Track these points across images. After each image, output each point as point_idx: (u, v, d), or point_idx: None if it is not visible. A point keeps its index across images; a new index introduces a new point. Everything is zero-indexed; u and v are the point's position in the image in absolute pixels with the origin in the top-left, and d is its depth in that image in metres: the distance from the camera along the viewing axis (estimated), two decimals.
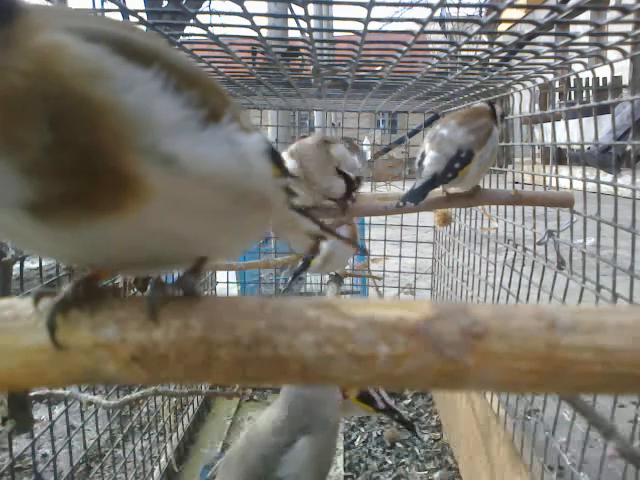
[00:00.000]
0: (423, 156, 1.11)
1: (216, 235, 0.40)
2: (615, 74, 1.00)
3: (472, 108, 1.19)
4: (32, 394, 0.83)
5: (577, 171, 1.21)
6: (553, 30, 0.93)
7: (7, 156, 0.30)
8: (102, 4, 0.88)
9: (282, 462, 1.04)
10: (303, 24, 0.85)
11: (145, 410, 1.54)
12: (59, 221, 0.33)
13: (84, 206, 0.32)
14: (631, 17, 0.78)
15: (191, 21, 0.86)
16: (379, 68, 1.27)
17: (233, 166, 0.38)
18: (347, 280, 2.08)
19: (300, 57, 1.29)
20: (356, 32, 0.88)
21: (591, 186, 1.08)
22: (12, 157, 0.30)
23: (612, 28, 0.89)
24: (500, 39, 1.04)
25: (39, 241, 0.36)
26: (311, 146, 1.16)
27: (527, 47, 1.00)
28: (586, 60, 1.05)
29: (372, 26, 0.86)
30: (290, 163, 1.14)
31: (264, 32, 0.88)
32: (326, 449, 1.12)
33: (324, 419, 1.10)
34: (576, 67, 1.14)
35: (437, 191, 1.16)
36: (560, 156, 1.57)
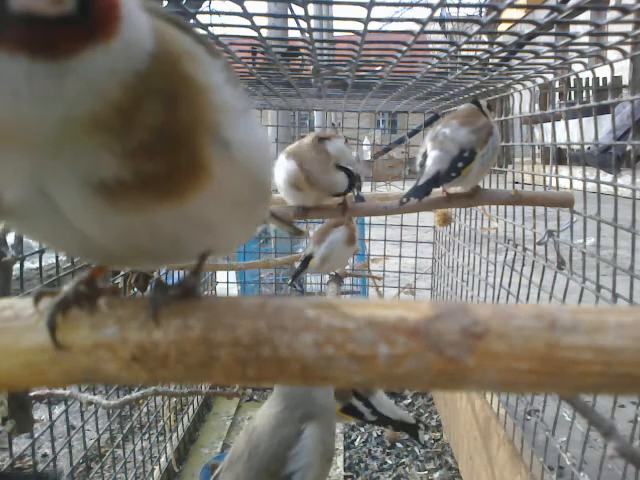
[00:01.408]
0: (425, 155, 1.11)
1: (231, 225, 0.41)
2: (615, 74, 1.00)
3: (466, 109, 1.19)
4: (32, 394, 0.83)
5: (577, 171, 1.21)
6: (553, 30, 0.93)
7: (113, 133, 0.29)
8: None
9: (292, 456, 1.03)
10: (303, 24, 0.85)
11: (145, 410, 1.54)
12: (125, 205, 0.32)
13: (158, 189, 0.32)
14: (631, 17, 0.78)
15: (191, 21, 0.86)
16: (379, 68, 1.27)
17: (257, 152, 0.40)
18: (347, 280, 2.08)
19: (300, 57, 1.29)
20: (356, 32, 0.88)
21: (591, 186, 1.08)
22: (118, 135, 0.29)
23: (612, 28, 0.89)
24: (500, 39, 1.04)
25: (80, 230, 0.34)
26: (308, 146, 1.16)
27: (527, 47, 1.00)
28: (586, 60, 1.05)
29: (372, 26, 0.86)
30: (289, 164, 1.13)
31: (264, 32, 0.88)
32: (330, 433, 1.12)
33: (323, 403, 1.10)
34: (576, 67, 1.14)
35: (437, 191, 1.16)
36: (560, 156, 1.58)
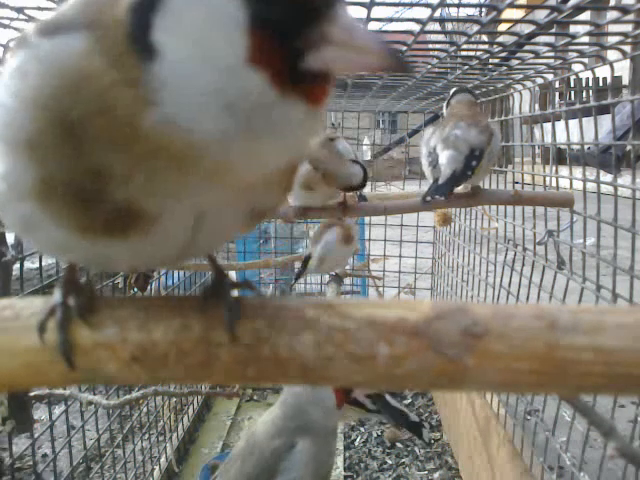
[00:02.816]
0: (432, 155, 1.12)
1: None
2: (615, 74, 1.00)
3: (466, 104, 1.19)
4: (32, 394, 0.83)
5: (577, 171, 1.21)
6: (553, 30, 0.93)
7: (285, 180, 0.37)
8: None
9: (282, 468, 1.03)
10: None
11: (145, 410, 1.54)
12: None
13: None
14: (631, 17, 0.78)
15: None
16: None
17: None
18: (347, 280, 2.07)
19: None
20: None
21: (591, 186, 1.08)
22: (284, 182, 0.37)
23: (612, 28, 0.89)
24: (500, 39, 1.04)
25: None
26: (319, 146, 1.17)
27: (527, 47, 1.00)
28: (586, 60, 1.05)
29: (372, 26, 0.86)
30: (302, 166, 1.14)
31: None
32: (325, 452, 1.11)
33: (322, 421, 1.10)
34: (576, 67, 1.14)
35: None
36: (560, 156, 1.57)
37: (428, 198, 1.08)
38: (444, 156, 1.10)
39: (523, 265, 1.34)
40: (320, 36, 0.28)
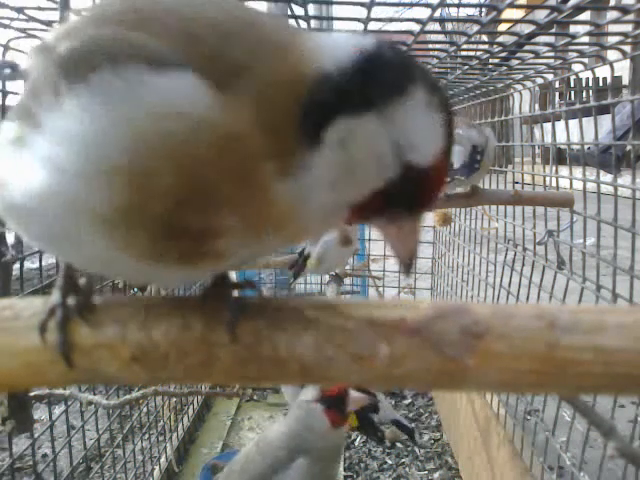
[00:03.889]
0: None
1: None
2: (615, 74, 1.00)
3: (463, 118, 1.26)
4: (32, 394, 0.83)
5: (577, 171, 1.21)
6: (553, 30, 0.93)
7: None
8: None
9: None
10: (303, 24, 0.85)
11: (145, 410, 1.54)
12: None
13: None
14: (631, 17, 0.78)
15: None
16: None
17: None
18: (347, 280, 2.07)
19: None
20: (356, 32, 0.88)
21: (591, 186, 1.08)
22: None
23: (612, 28, 0.89)
24: (500, 39, 1.04)
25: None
26: None
27: (527, 47, 1.00)
28: (586, 60, 1.05)
29: (372, 26, 0.86)
30: None
31: None
32: (325, 471, 1.12)
33: (318, 444, 1.10)
34: (576, 67, 1.14)
35: None
36: (560, 156, 1.57)
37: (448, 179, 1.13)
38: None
39: (523, 265, 1.34)
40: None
